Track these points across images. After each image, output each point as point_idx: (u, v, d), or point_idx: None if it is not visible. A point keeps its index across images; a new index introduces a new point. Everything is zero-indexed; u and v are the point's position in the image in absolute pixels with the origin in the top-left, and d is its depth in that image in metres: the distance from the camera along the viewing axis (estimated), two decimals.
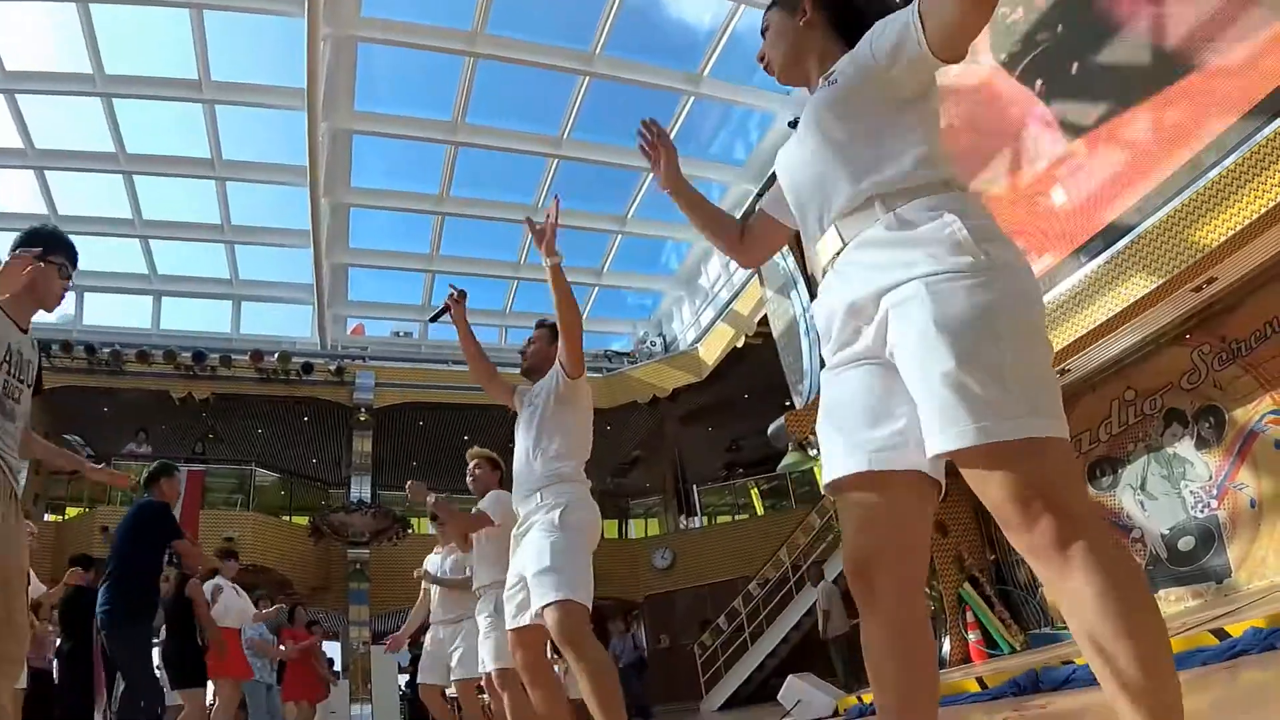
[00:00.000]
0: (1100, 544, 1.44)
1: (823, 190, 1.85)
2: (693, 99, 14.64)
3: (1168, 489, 8.01)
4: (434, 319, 4.47)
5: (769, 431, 11.90)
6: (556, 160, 15.58)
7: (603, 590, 3.52)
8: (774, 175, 2.20)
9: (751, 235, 2.32)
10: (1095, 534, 1.45)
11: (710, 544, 19.89)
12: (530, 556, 3.50)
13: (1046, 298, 7.72)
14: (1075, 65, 7.67)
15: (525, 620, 3.61)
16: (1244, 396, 7.38)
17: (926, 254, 1.61)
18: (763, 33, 2.13)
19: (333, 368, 17.90)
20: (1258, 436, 7.24)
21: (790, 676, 8.12)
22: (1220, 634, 4.93)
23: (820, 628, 12.93)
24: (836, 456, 1.74)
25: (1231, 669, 4.52)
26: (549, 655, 3.98)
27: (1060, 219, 7.76)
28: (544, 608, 3.34)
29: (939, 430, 1.52)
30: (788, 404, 12.58)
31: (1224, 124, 6.31)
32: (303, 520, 17.31)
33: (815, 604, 13.06)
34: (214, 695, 7.36)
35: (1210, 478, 7.66)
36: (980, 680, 6.59)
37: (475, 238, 18.40)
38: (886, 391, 1.71)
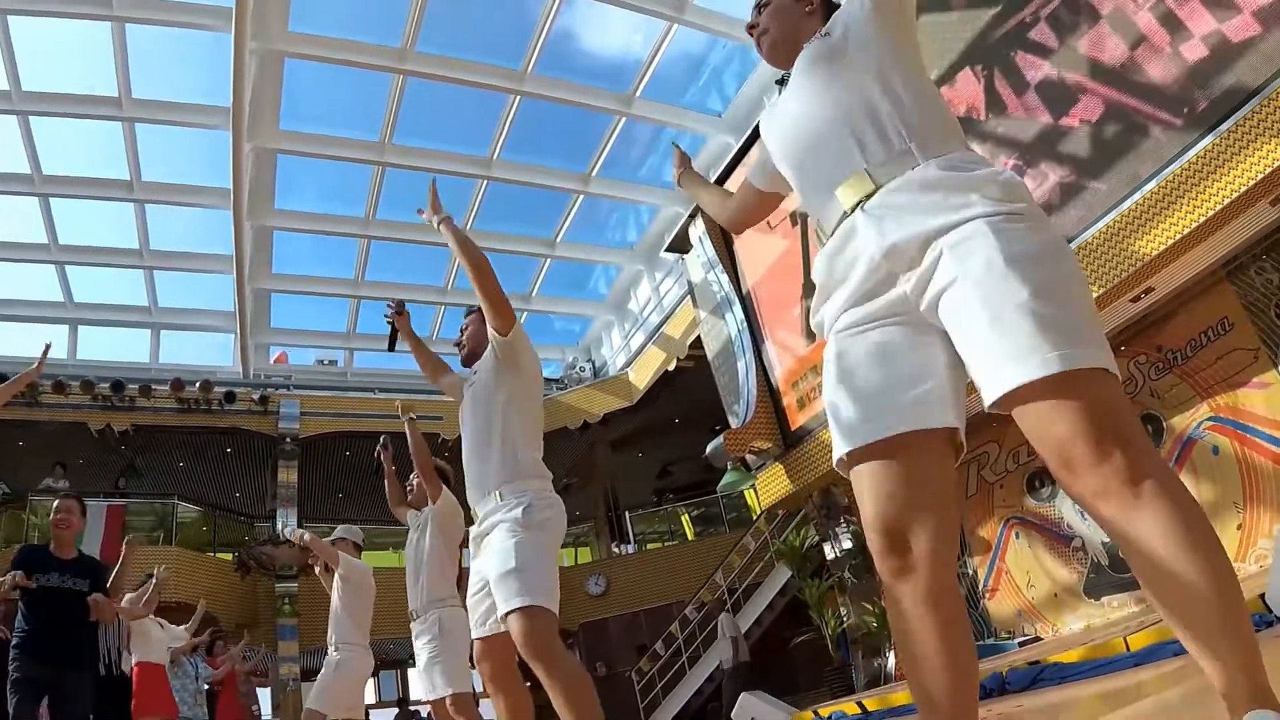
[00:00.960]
0: (1169, 481, 1.42)
1: (839, 138, 1.84)
2: (624, 120, 14.62)
3: None
4: (391, 347, 4.34)
5: (708, 451, 11.82)
6: (485, 181, 15.38)
7: None
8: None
9: (741, 208, 2.44)
10: (1163, 471, 1.43)
11: (644, 569, 19.71)
12: (494, 558, 3.23)
13: None
14: (1014, 80, 7.81)
15: (494, 628, 3.42)
16: (1181, 404, 7.57)
17: (982, 196, 1.61)
18: (760, 7, 2.19)
19: (256, 397, 17.41)
20: (1195, 443, 7.43)
21: (743, 694, 8.02)
22: None
23: (726, 657, 13.00)
24: (859, 422, 1.69)
25: None
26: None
27: None
28: (508, 614, 3.09)
29: (1018, 360, 1.47)
30: (718, 428, 12.52)
31: (1162, 136, 6.49)
32: (228, 555, 16.72)
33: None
34: None
35: None
36: None
37: (401, 262, 18.11)
38: (913, 348, 1.69)
